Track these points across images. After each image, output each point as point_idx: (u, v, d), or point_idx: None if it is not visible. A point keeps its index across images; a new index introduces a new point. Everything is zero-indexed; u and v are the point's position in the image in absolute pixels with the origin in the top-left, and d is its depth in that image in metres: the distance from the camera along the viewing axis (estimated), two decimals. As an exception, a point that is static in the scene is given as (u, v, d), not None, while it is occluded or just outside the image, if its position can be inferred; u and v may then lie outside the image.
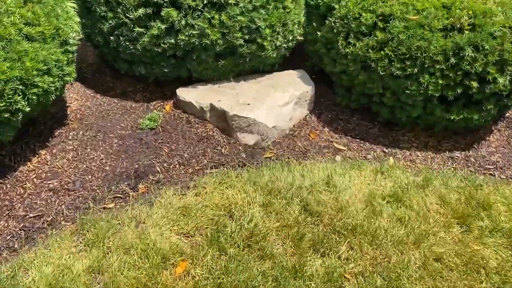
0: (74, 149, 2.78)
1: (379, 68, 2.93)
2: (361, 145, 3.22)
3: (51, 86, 2.34)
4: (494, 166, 3.06)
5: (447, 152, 3.17)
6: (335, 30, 3.14)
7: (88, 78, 3.59)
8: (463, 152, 3.16)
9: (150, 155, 2.83)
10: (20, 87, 2.16)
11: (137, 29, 2.89)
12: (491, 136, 3.33)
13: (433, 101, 2.95)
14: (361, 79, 3.12)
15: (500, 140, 3.31)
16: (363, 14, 2.95)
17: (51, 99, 2.43)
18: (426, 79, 2.81)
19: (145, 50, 3.01)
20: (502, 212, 2.53)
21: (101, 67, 3.73)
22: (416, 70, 2.80)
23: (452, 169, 3.00)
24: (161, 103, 3.32)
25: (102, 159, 2.74)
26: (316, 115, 3.43)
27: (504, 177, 2.96)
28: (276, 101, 3.19)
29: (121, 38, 3.00)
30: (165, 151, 2.89)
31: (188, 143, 2.98)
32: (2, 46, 2.11)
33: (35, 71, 2.21)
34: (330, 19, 3.17)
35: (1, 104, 2.08)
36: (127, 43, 3.00)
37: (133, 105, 3.27)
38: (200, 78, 3.33)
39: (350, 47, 3.05)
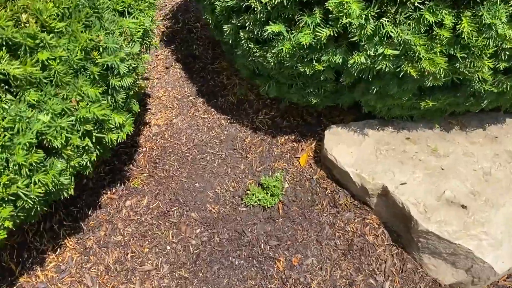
0: (121, 244, 1.56)
1: None
2: None
3: (59, 183, 1.09)
4: None
5: None
6: None
7: (196, 56, 2.26)
8: None
9: (249, 278, 1.52)
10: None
11: (271, 27, 1.39)
12: None
13: None
14: None
15: None
16: None
17: (65, 194, 1.20)
18: None
19: (281, 65, 1.52)
20: None
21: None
22: None
23: None
24: (295, 143, 1.88)
25: (162, 278, 1.51)
26: None
27: None
28: (523, 203, 1.53)
29: (241, 32, 1.54)
30: (278, 269, 1.55)
31: (325, 257, 1.58)
32: None
33: (7, 175, 0.97)
34: None
35: None
36: (251, 45, 1.54)
37: (248, 139, 1.90)
38: (374, 113, 1.76)
39: None
